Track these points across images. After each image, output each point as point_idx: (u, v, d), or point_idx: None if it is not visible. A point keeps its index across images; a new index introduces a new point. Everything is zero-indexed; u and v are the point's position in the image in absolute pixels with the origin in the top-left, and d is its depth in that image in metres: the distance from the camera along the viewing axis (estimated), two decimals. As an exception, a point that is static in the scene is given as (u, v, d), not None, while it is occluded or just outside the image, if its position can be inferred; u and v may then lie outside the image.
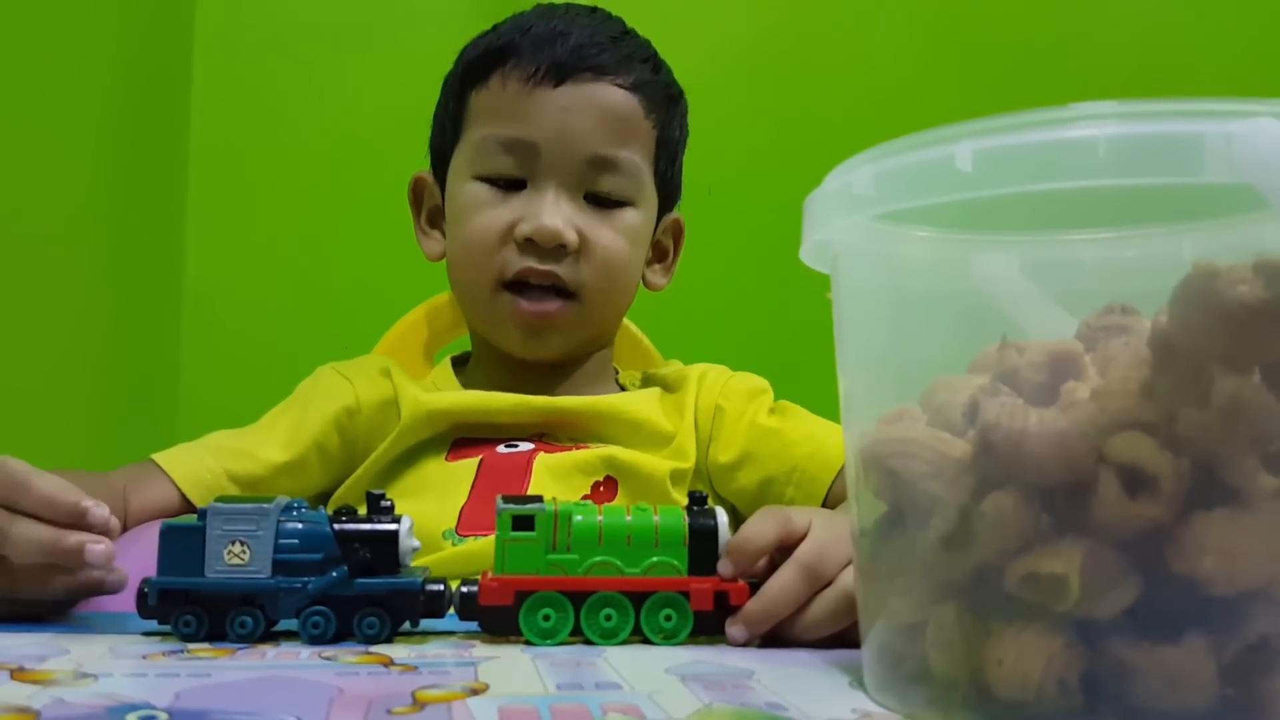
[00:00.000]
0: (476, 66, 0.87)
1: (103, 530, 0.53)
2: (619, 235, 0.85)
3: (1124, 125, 0.35)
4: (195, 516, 0.52)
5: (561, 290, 0.84)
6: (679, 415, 0.87)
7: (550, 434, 0.85)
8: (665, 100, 0.89)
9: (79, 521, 0.53)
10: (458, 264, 0.88)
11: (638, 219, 0.87)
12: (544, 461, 0.80)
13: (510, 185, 0.84)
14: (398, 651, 0.49)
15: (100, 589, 0.56)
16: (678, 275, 0.96)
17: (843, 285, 0.46)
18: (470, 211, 0.85)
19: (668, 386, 0.91)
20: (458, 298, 0.93)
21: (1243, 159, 0.33)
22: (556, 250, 0.82)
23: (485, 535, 0.75)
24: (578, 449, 0.83)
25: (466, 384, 0.90)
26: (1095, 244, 0.42)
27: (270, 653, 0.49)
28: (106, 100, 1.32)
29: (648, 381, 0.93)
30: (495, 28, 0.89)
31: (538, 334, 0.85)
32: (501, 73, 0.85)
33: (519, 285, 0.84)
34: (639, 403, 0.87)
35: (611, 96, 0.84)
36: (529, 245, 0.82)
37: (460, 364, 0.94)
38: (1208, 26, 1.37)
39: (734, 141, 1.29)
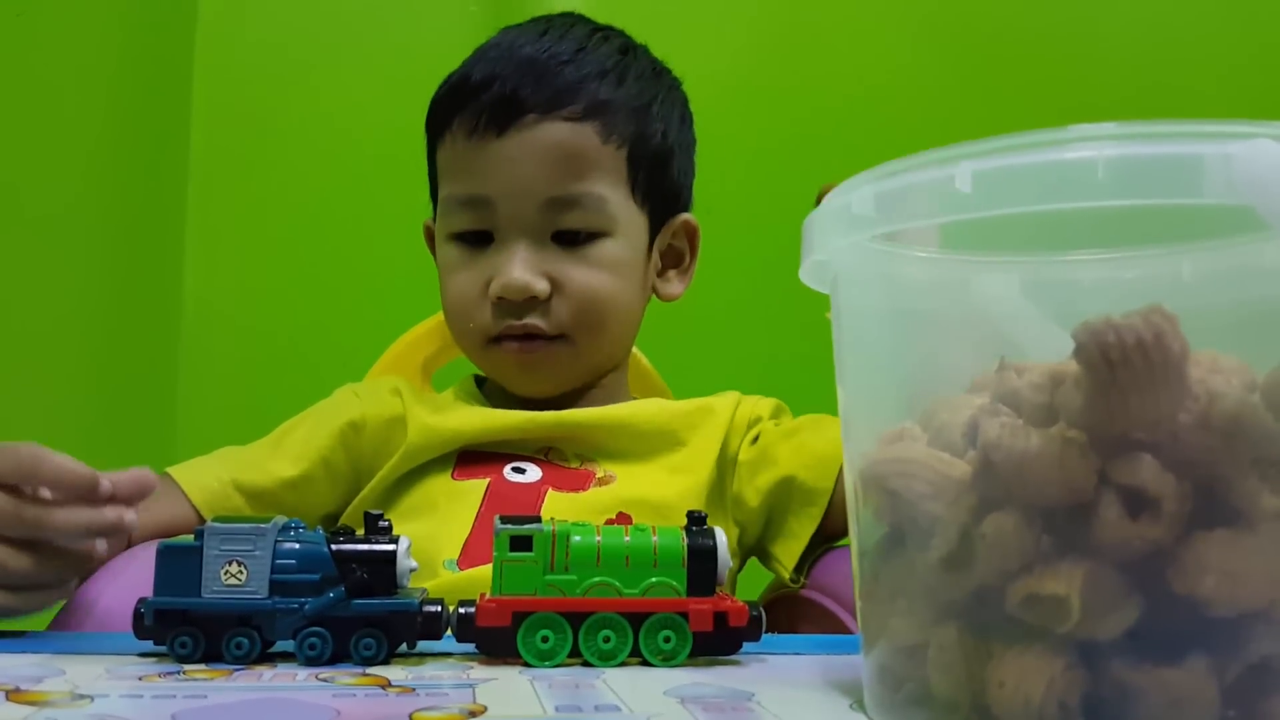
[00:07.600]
0: (435, 116, 0.87)
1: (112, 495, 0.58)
2: (595, 269, 0.83)
3: (1123, 146, 0.35)
4: (192, 536, 0.52)
5: (547, 337, 0.84)
6: (702, 429, 0.86)
7: (557, 448, 0.86)
8: (632, 114, 0.85)
9: (95, 495, 0.57)
10: (448, 322, 0.90)
11: (616, 248, 0.85)
12: (554, 503, 0.80)
13: (479, 239, 0.85)
14: (395, 673, 0.49)
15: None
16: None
17: (842, 305, 0.46)
18: (447, 274, 0.87)
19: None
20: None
21: (1241, 180, 0.33)
22: (529, 303, 0.82)
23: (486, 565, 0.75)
24: (586, 490, 0.82)
25: (488, 396, 0.91)
26: (1095, 265, 0.42)
27: (267, 674, 0.49)
28: (107, 111, 1.32)
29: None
30: (462, 65, 0.87)
31: (532, 370, 0.86)
32: (453, 125, 0.84)
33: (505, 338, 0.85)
34: (648, 410, 0.88)
35: (558, 134, 0.82)
36: (502, 302, 0.83)
37: (482, 379, 0.94)
38: (1209, 47, 1.38)
39: (733, 162, 1.29)
